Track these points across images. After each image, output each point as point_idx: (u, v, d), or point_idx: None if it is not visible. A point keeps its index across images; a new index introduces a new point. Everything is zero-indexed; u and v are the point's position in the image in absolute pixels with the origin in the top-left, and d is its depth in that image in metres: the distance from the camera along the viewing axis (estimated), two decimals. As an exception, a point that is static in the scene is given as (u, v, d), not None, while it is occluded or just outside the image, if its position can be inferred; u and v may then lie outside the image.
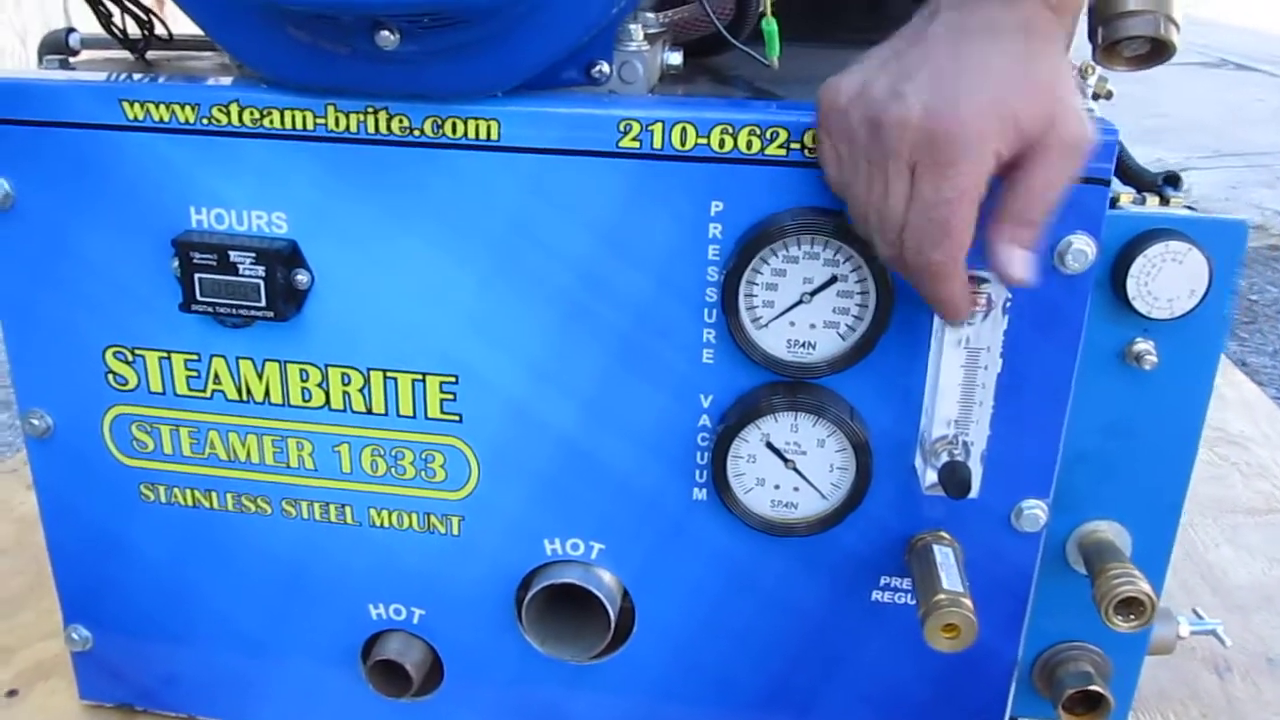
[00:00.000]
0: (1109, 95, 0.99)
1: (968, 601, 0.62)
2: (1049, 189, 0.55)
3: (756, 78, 0.74)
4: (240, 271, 0.65)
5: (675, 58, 0.69)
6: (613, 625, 0.70)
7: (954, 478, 0.61)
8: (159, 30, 0.74)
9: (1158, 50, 0.82)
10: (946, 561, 0.64)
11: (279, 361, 0.69)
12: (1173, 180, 0.68)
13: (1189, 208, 0.66)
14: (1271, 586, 1.03)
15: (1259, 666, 0.92)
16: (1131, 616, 0.67)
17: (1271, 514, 1.16)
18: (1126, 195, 0.67)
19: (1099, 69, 0.93)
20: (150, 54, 0.75)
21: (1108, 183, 0.59)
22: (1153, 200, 0.67)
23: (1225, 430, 1.34)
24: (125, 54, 0.74)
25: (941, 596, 0.62)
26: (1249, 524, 1.14)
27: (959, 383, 0.60)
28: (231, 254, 0.65)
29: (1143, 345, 0.66)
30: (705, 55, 0.78)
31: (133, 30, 0.74)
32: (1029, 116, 0.54)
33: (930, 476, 0.63)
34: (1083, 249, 0.60)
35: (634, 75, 0.64)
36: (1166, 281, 0.63)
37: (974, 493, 0.63)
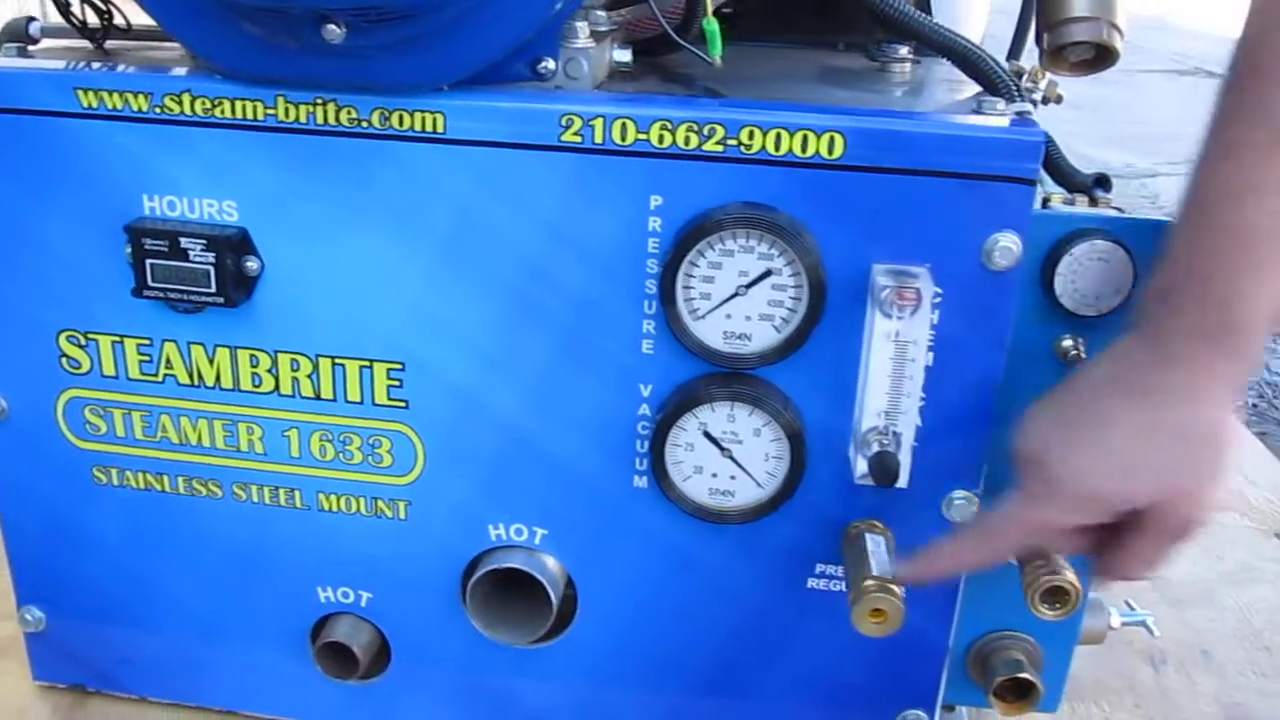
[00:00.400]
0: (1059, 99, 1.01)
1: (895, 588, 0.63)
2: (1143, 555, 0.60)
3: (705, 77, 0.75)
4: (191, 258, 0.67)
5: (624, 55, 0.70)
6: (555, 609, 0.72)
7: (883, 467, 0.63)
8: (118, 20, 0.75)
9: (1102, 56, 0.84)
10: (877, 549, 0.66)
11: (229, 347, 0.71)
12: (1102, 182, 0.70)
13: (1117, 209, 0.68)
14: (1211, 582, 1.06)
15: (1193, 659, 0.94)
16: (1057, 605, 0.68)
17: (1216, 513, 1.18)
18: (1058, 196, 0.69)
19: (1048, 74, 0.95)
20: (109, 44, 0.76)
21: (1033, 183, 0.61)
22: (1082, 201, 0.69)
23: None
24: (85, 44, 0.75)
25: (870, 582, 0.64)
26: (1193, 522, 1.16)
27: (888, 374, 0.62)
28: (182, 241, 0.67)
29: (1070, 342, 0.67)
30: (657, 54, 0.79)
31: (92, 20, 0.75)
32: (1122, 495, 0.59)
33: (861, 466, 0.65)
34: (1009, 246, 0.62)
35: (579, 71, 0.66)
36: (1093, 280, 0.65)
37: (902, 482, 0.64)
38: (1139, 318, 0.60)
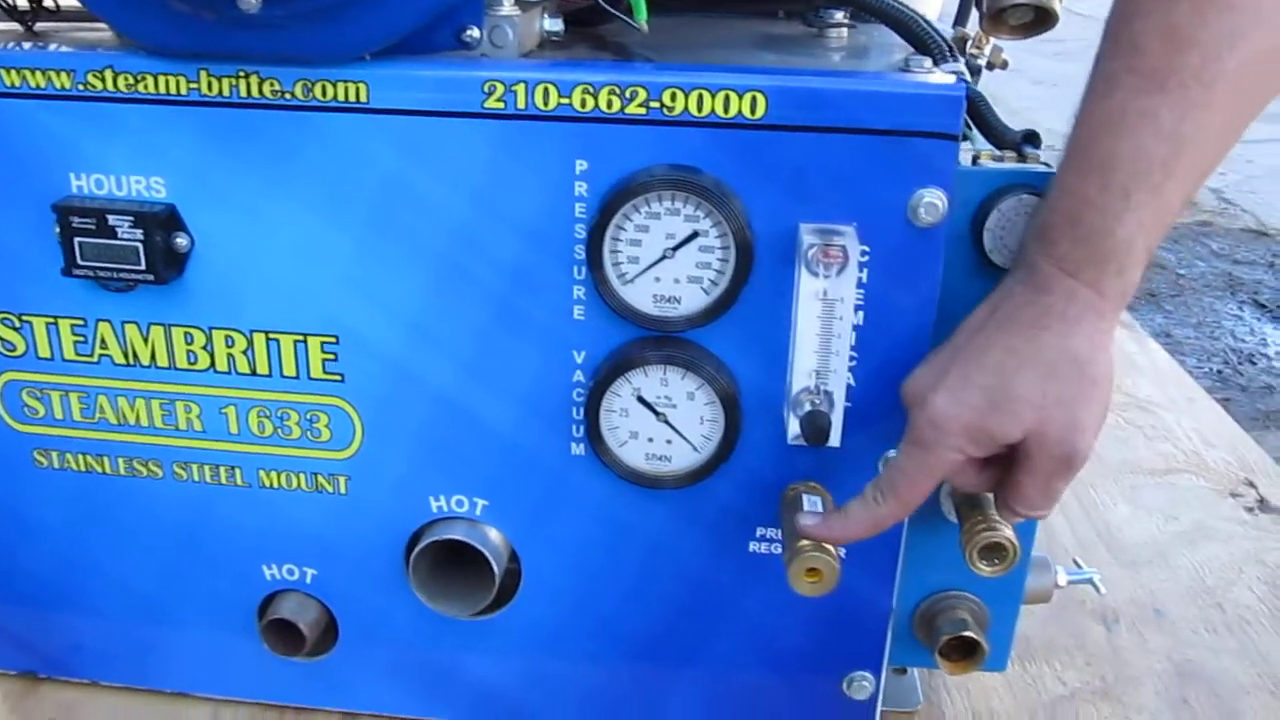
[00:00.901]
0: (1004, 65, 1.02)
1: (831, 547, 0.64)
2: (1032, 489, 0.61)
3: (639, 45, 0.75)
4: (119, 235, 0.66)
5: (555, 25, 0.70)
6: (497, 579, 0.72)
7: (814, 426, 0.63)
8: (47, 2, 0.75)
9: (1041, 19, 0.84)
10: (814, 509, 0.66)
11: (163, 325, 0.70)
12: (1032, 138, 0.70)
13: (1045, 164, 0.68)
14: (1164, 543, 1.06)
15: (1145, 618, 0.95)
16: (995, 561, 0.69)
17: (1171, 474, 1.19)
18: (988, 154, 0.69)
19: (991, 39, 0.96)
20: (39, 26, 0.75)
21: (956, 138, 0.61)
22: (1012, 158, 0.69)
23: (1135, 396, 1.37)
24: (15, 26, 0.75)
25: (805, 542, 0.64)
26: (1148, 484, 1.17)
27: (816, 333, 0.62)
28: (110, 218, 0.66)
29: (1003, 299, 0.67)
30: (591, 24, 0.79)
31: (22, 3, 0.74)
32: (1001, 426, 0.59)
33: (794, 427, 0.65)
34: (934, 203, 0.62)
35: (504, 40, 0.66)
36: (1021, 234, 0.65)
37: (834, 441, 0.64)
38: (1017, 257, 0.61)
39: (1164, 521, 1.10)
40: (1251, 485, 1.17)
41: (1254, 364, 2.12)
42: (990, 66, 1.00)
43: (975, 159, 0.68)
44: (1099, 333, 0.58)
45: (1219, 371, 2.08)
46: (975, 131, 0.74)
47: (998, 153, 0.69)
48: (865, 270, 0.64)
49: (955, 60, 0.70)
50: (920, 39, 0.71)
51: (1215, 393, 1.93)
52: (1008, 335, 0.59)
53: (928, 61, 0.66)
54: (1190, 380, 1.44)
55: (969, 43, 0.95)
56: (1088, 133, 0.58)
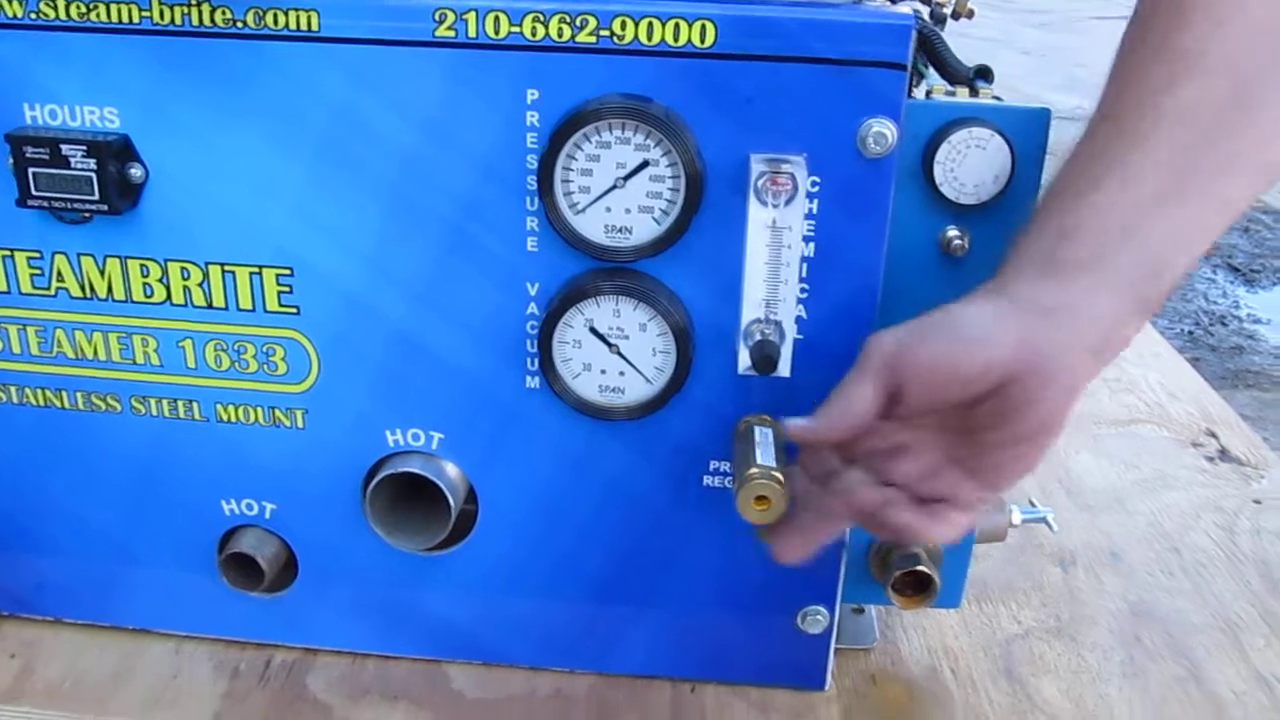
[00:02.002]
0: (970, 14, 1.02)
1: (779, 475, 0.64)
2: (1006, 451, 0.59)
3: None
4: (72, 165, 0.67)
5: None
6: (453, 512, 0.72)
7: (761, 354, 0.63)
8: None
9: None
10: (765, 440, 0.67)
11: (119, 257, 0.70)
12: (984, 74, 0.70)
13: (996, 98, 0.68)
14: (1123, 489, 1.07)
15: (1102, 560, 0.96)
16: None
17: (1133, 424, 1.20)
18: (940, 88, 0.70)
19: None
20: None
21: (904, 67, 0.62)
22: (964, 93, 0.69)
23: (1101, 350, 1.37)
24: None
25: (754, 470, 0.64)
26: (1110, 434, 1.18)
27: (765, 262, 0.63)
28: (63, 148, 0.66)
29: (955, 233, 0.68)
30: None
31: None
32: (975, 364, 0.57)
33: (745, 358, 0.65)
34: (883, 133, 0.62)
35: (458, -30, 0.66)
36: (971, 168, 0.66)
37: (784, 371, 0.65)
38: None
39: (1125, 469, 1.11)
40: (1213, 435, 1.18)
41: (1225, 325, 2.13)
42: (955, 16, 1.00)
43: (928, 93, 0.69)
44: (972, 296, 0.61)
45: (1190, 333, 2.10)
46: (931, 70, 0.75)
47: (950, 88, 0.70)
48: (816, 201, 0.64)
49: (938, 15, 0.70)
50: (877, -24, 0.71)
51: (1185, 352, 1.94)
52: (988, 295, 0.61)
53: (879, -7, 0.67)
54: (1157, 335, 1.45)
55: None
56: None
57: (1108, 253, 0.57)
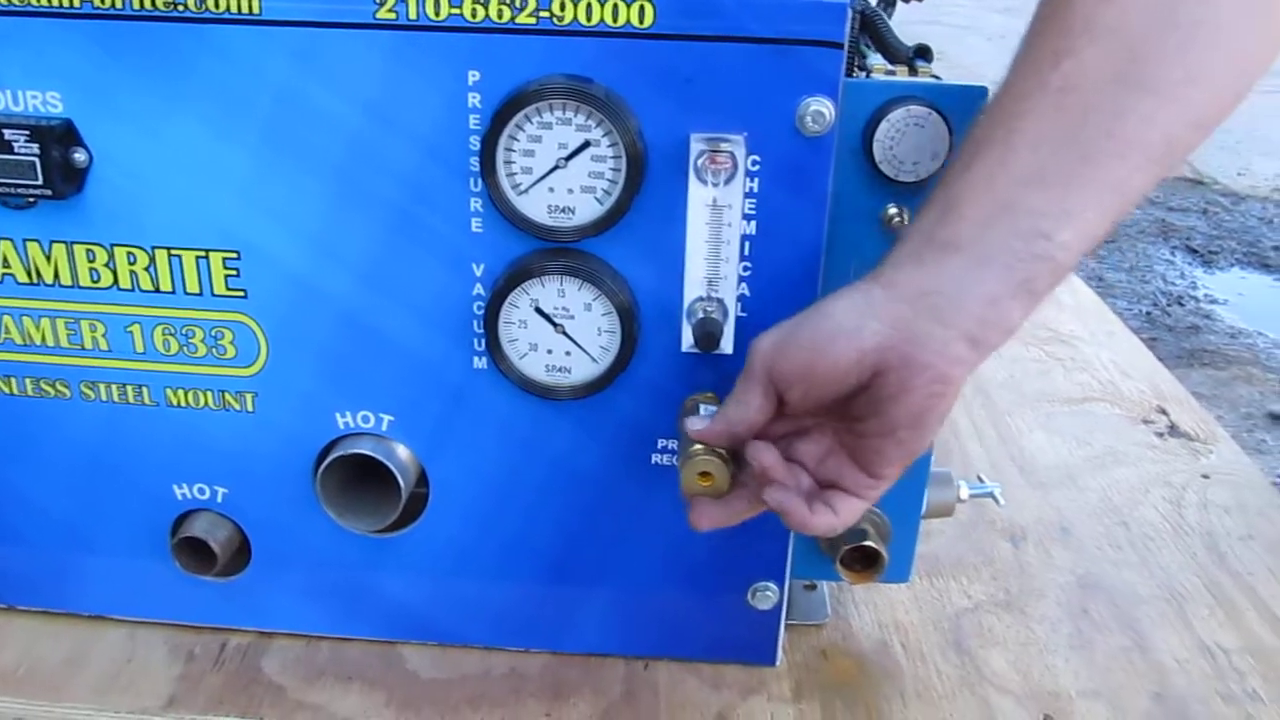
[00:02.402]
0: (923, -5, 1.03)
1: (723, 451, 0.65)
2: (886, 443, 0.60)
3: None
4: (15, 150, 0.66)
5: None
6: (403, 492, 0.73)
7: (703, 332, 0.64)
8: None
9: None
10: (709, 417, 0.67)
11: (65, 243, 0.70)
12: (923, 53, 0.71)
13: (934, 76, 0.69)
14: (1075, 466, 1.09)
15: (1052, 535, 0.97)
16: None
17: (1087, 402, 1.21)
18: (881, 67, 0.70)
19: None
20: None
21: (841, 46, 0.62)
22: (904, 71, 0.70)
23: (1057, 331, 1.39)
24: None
25: (697, 446, 0.65)
26: (1064, 412, 1.19)
27: (706, 240, 0.63)
28: (5, 133, 0.66)
29: (895, 210, 0.69)
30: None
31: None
32: (848, 353, 0.58)
33: (689, 336, 0.66)
34: (821, 111, 0.63)
35: (400, -47, 0.66)
36: (910, 145, 0.67)
37: (727, 348, 0.66)
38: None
39: (1076, 446, 1.12)
40: (1164, 412, 1.20)
41: (1182, 305, 2.15)
42: (906, -1, 1.01)
43: (868, 73, 0.69)
44: (846, 289, 0.61)
45: (1148, 313, 2.12)
46: (874, 51, 0.75)
47: (890, 67, 0.70)
48: (756, 180, 0.65)
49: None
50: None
51: (1143, 333, 1.95)
52: (863, 285, 0.61)
53: (820, -24, 0.67)
54: (1112, 315, 1.46)
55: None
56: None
57: (979, 232, 0.55)
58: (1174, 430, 1.16)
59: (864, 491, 0.62)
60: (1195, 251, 2.62)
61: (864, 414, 0.59)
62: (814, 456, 0.63)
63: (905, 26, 0.81)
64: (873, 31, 0.74)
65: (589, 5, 0.62)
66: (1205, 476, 1.08)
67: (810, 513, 0.61)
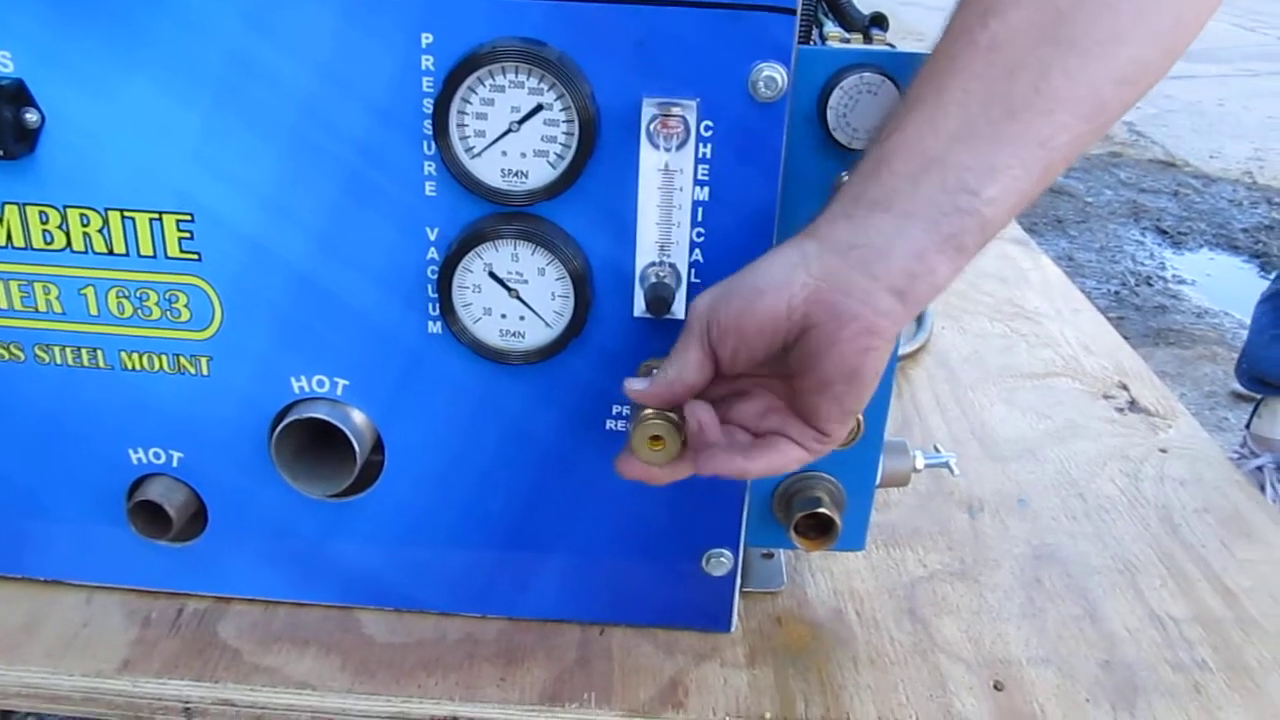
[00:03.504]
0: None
1: (674, 416, 0.65)
2: (823, 399, 0.60)
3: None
4: (-34, 110, 0.66)
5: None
6: (359, 456, 0.73)
7: (655, 295, 0.64)
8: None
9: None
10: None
11: (17, 204, 0.70)
12: (879, 21, 0.71)
13: (889, 44, 0.69)
14: (1034, 440, 1.10)
15: (1009, 506, 0.98)
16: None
17: (1049, 377, 1.22)
18: (836, 35, 0.71)
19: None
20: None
21: (793, 11, 0.62)
22: (859, 40, 0.70)
23: (1022, 307, 1.40)
24: None
25: (648, 410, 0.65)
26: (1026, 386, 1.20)
27: (658, 205, 0.64)
28: (-44, 92, 0.66)
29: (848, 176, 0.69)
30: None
31: None
32: (774, 307, 0.59)
33: (641, 301, 0.66)
34: (773, 77, 0.63)
35: (355, -86, 0.66)
36: (863, 113, 0.67)
37: (679, 312, 0.66)
38: None
39: (1037, 420, 1.13)
40: (1124, 388, 1.21)
41: (1150, 285, 2.17)
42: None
43: (823, 40, 0.70)
44: (780, 244, 0.62)
45: (1116, 293, 2.13)
46: (831, 20, 0.76)
47: (846, 35, 0.71)
48: (709, 145, 0.65)
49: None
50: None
51: (1111, 312, 1.97)
52: (795, 240, 0.62)
53: (776, -58, 0.67)
54: (1078, 293, 1.47)
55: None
56: None
57: (907, 187, 0.56)
58: (1134, 405, 1.17)
59: (809, 444, 0.63)
60: (1165, 233, 2.64)
61: (798, 369, 0.60)
62: (754, 414, 0.64)
63: (882, 6, 0.81)
64: (829, 0, 0.74)
65: (542, -32, 0.62)
66: (1163, 451, 1.09)
67: (746, 459, 0.62)
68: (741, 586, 0.82)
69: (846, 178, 0.68)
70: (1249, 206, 2.99)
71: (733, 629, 0.81)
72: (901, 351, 1.23)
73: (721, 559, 0.78)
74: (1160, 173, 3.12)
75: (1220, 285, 2.40)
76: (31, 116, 0.67)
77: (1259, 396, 1.82)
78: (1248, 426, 1.84)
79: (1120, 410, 1.16)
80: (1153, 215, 2.69)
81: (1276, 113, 3.83)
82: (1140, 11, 0.56)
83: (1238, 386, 1.96)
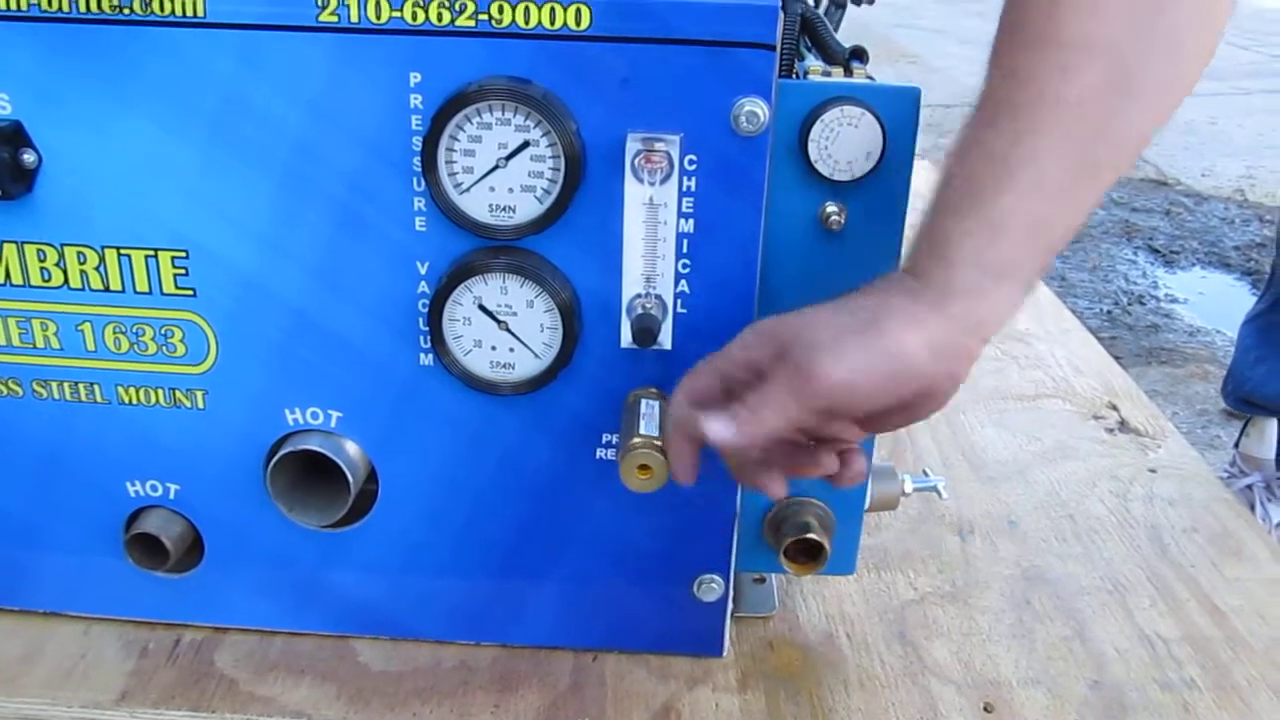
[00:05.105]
0: (872, 1, 1.04)
1: (660, 444, 0.66)
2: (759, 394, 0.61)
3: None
4: (-36, 151, 0.67)
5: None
6: (352, 487, 0.74)
7: (640, 327, 0.66)
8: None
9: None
10: (650, 412, 0.69)
11: (15, 242, 0.71)
12: (859, 55, 0.73)
13: (869, 77, 0.71)
14: (1025, 461, 1.10)
15: (999, 529, 0.99)
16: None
17: (1039, 399, 1.23)
18: (816, 68, 0.72)
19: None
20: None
21: (773, 48, 0.64)
22: (839, 73, 0.71)
23: (1013, 327, 1.41)
24: None
25: (636, 440, 0.67)
26: (1016, 408, 1.21)
27: (643, 238, 0.65)
28: (-46, 134, 0.67)
29: (832, 208, 0.70)
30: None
31: None
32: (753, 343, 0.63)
33: (628, 332, 0.67)
34: (755, 111, 0.65)
35: (344, -44, 0.67)
36: (844, 145, 0.68)
37: (665, 344, 0.67)
38: None
39: (1027, 442, 1.14)
40: (1114, 408, 1.22)
41: (1143, 305, 2.18)
42: (858, 1, 1.02)
43: (805, 74, 0.71)
44: (910, 309, 0.60)
45: (1109, 312, 2.15)
46: (812, 53, 0.77)
47: (827, 68, 0.72)
48: (693, 179, 0.67)
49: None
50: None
51: (1103, 331, 1.98)
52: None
53: (758, -21, 0.69)
54: (1068, 314, 1.48)
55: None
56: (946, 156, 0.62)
57: (1026, 255, 0.59)
58: (1124, 426, 1.18)
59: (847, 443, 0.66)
60: (1157, 251, 2.65)
61: (893, 414, 0.63)
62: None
63: (877, 29, 0.83)
64: (812, 33, 0.76)
65: (527, 8, 0.63)
66: (1152, 471, 1.10)
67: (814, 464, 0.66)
68: (734, 611, 0.83)
69: (833, 208, 0.69)
70: (1240, 224, 3.01)
71: (725, 654, 0.82)
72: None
73: (712, 585, 0.79)
74: (1152, 191, 3.14)
75: (1212, 304, 2.42)
76: (29, 157, 0.69)
77: (1246, 416, 1.83)
78: (1236, 446, 1.85)
79: (1110, 431, 1.17)
80: (1145, 234, 2.71)
81: (1268, 131, 3.86)
82: (1181, 58, 0.59)
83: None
